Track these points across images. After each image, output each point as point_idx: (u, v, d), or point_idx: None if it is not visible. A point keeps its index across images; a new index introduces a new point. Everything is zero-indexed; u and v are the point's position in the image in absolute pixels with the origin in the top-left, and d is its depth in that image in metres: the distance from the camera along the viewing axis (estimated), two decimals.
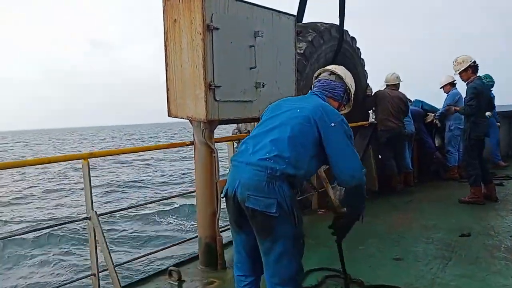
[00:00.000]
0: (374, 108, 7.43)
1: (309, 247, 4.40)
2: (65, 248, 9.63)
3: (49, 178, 23.54)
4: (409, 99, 9.04)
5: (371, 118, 7.93)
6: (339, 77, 2.70)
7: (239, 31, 3.81)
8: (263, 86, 4.05)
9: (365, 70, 7.33)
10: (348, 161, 2.33)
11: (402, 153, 7.30)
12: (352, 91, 2.76)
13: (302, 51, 5.69)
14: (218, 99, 3.62)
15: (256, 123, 5.62)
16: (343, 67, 2.84)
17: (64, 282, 3.07)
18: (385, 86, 7.31)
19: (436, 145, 8.58)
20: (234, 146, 4.51)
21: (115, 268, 3.00)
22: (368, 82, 7.49)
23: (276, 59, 4.33)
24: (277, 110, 2.50)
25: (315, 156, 2.35)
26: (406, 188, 7.19)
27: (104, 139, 79.42)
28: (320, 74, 2.81)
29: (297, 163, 2.26)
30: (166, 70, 3.84)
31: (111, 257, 3.01)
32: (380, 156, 7.31)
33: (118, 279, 2.97)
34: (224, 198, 2.40)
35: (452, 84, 7.87)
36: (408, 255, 4.04)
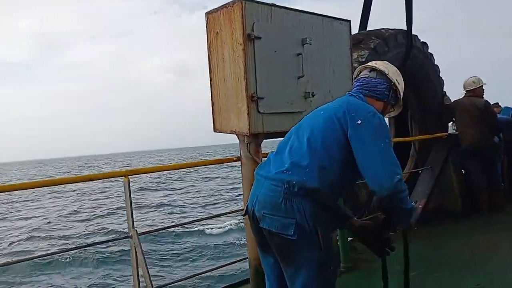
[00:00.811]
0: (454, 120, 6.74)
1: (373, 273, 4.00)
2: (109, 268, 9.74)
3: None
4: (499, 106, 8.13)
5: (452, 129, 7.21)
6: (381, 72, 2.31)
7: (284, 40, 3.62)
8: (313, 96, 3.78)
9: (441, 77, 6.68)
10: (374, 166, 1.93)
11: (488, 168, 6.46)
12: (400, 87, 2.35)
13: (363, 59, 5.32)
14: (262, 111, 3.43)
15: None
16: (386, 62, 2.43)
17: None
18: (464, 93, 6.58)
19: None
20: None
21: None
22: (445, 90, 6.81)
23: (329, 68, 4.06)
24: (305, 120, 2.23)
25: (346, 162, 1.99)
26: (495, 207, 6.31)
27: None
28: (360, 72, 2.44)
29: (322, 173, 1.94)
30: (211, 85, 3.75)
31: (150, 278, 2.90)
32: (463, 171, 6.57)
33: None
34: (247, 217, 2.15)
35: None
36: (493, 283, 3.43)
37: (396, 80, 2.31)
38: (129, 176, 3.07)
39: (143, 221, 15.68)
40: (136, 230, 3.04)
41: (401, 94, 2.36)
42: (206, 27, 3.72)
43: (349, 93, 2.33)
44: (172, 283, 3.32)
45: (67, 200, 25.16)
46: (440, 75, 6.68)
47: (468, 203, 6.37)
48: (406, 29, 5.93)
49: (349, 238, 4.48)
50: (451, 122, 7.13)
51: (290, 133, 2.17)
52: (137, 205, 19.81)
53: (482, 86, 6.48)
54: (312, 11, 3.96)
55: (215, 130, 3.79)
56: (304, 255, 1.89)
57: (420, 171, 6.38)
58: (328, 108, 2.12)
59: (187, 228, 12.02)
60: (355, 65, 5.28)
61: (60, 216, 19.09)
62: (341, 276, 3.91)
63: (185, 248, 10.78)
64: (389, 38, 5.67)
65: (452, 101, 6.70)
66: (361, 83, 2.33)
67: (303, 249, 1.89)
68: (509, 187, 6.98)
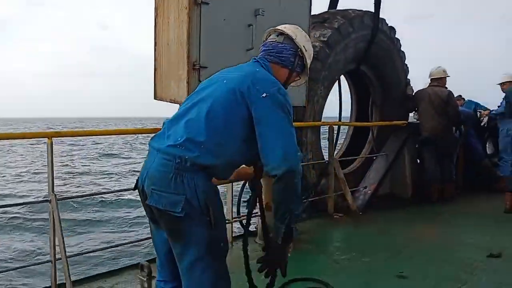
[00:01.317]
0: (416, 109, 6.73)
1: (307, 253, 4.01)
2: (27, 235, 8.80)
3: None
4: (462, 98, 8.17)
5: (413, 118, 7.22)
6: (288, 37, 2.14)
7: (235, 8, 3.46)
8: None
9: (405, 64, 6.61)
10: (280, 140, 1.79)
11: (443, 160, 6.52)
12: (307, 54, 2.19)
13: (325, 39, 5.19)
14: (202, 81, 3.28)
15: None
16: (297, 26, 2.26)
17: (21, 266, 2.88)
18: (429, 81, 6.54)
19: (489, 152, 7.66)
20: None
21: (67, 258, 2.77)
22: (409, 78, 6.77)
23: None
24: (207, 83, 2.07)
25: (247, 140, 1.87)
26: (444, 198, 6.42)
27: None
28: (269, 35, 2.24)
29: (218, 149, 1.82)
30: (155, 50, 3.58)
31: (64, 246, 2.79)
32: (419, 161, 6.62)
33: (68, 269, 2.74)
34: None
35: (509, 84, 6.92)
36: (416, 273, 3.46)
37: (304, 46, 2.15)
38: (53, 138, 2.91)
39: (78, 187, 15.08)
40: (55, 195, 2.89)
41: (308, 61, 2.22)
42: None
43: (254, 59, 2.15)
44: (86, 252, 3.20)
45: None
46: (406, 62, 6.61)
47: (419, 192, 6.47)
48: (373, 11, 5.80)
49: None
50: (413, 112, 7.15)
51: (191, 99, 2.00)
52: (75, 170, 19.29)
53: (446, 77, 6.50)
54: None
55: (155, 97, 3.63)
56: (193, 232, 1.79)
57: (374, 157, 6.39)
58: (232, 78, 1.96)
59: (120, 196, 11.48)
60: (316, 43, 5.16)
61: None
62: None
63: (111, 218, 10.30)
64: (354, 19, 5.53)
65: (414, 90, 6.68)
66: (267, 48, 2.16)
67: (192, 227, 1.79)
68: (462, 179, 7.11)
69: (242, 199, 4.55)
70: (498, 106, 6.90)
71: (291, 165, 1.77)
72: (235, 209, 4.28)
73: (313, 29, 5.37)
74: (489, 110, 7.22)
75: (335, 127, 5.73)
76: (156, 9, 3.53)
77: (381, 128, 6.53)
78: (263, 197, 4.32)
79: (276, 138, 1.81)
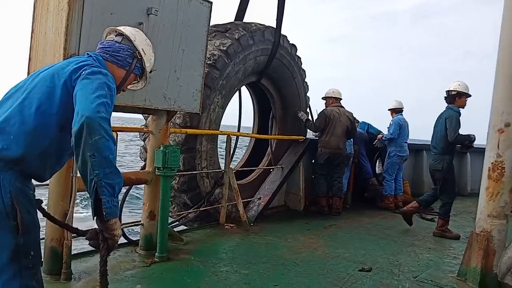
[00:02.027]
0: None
1: (187, 264, 3.89)
2: None
3: None
4: (357, 120, 8.68)
5: (312, 134, 7.46)
6: (127, 38, 2.12)
7: (125, 4, 3.28)
8: (150, 72, 3.48)
9: (305, 82, 6.88)
10: (83, 102, 1.65)
11: (337, 176, 6.85)
12: (146, 58, 2.18)
13: (225, 48, 5.20)
14: None
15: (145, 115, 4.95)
16: (138, 29, 2.26)
17: None
18: (328, 99, 6.82)
19: (378, 171, 8.22)
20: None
21: None
22: (308, 95, 7.03)
23: (179, 46, 3.81)
24: (32, 74, 1.92)
25: (66, 126, 1.72)
26: (335, 211, 6.73)
27: None
28: (107, 35, 2.21)
29: (31, 139, 1.67)
30: (31, 38, 3.25)
31: None
32: (313, 176, 6.86)
33: None
34: None
35: (399, 111, 7.56)
36: (290, 286, 3.52)
37: (143, 49, 2.15)
38: None
39: None
40: None
41: (148, 66, 2.22)
42: None
43: (88, 54, 2.05)
44: None
45: None
46: (305, 80, 6.87)
47: (312, 206, 6.71)
48: (275, 27, 5.95)
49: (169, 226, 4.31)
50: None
51: (10, 90, 1.85)
52: None
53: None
54: None
55: None
56: None
57: (271, 169, 6.51)
58: (54, 65, 1.86)
59: None
60: (215, 52, 5.14)
61: None
62: (150, 267, 3.72)
63: None
64: (255, 32, 5.64)
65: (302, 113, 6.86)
66: (104, 46, 2.10)
67: None
68: (351, 195, 7.52)
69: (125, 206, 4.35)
70: (388, 127, 7.49)
71: (86, 117, 1.58)
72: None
73: (214, 38, 5.37)
74: (382, 133, 7.76)
75: (233, 137, 5.74)
76: None
77: (279, 141, 6.69)
78: (147, 204, 4.18)
79: (82, 96, 1.67)
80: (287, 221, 5.95)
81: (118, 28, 2.17)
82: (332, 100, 6.79)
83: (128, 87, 2.25)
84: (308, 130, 7.01)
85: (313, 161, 6.86)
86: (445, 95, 5.73)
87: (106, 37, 2.18)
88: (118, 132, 3.89)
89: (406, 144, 7.49)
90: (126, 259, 3.92)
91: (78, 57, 1.99)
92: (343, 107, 6.83)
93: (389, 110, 7.64)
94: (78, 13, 2.98)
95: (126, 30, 2.16)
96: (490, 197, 3.67)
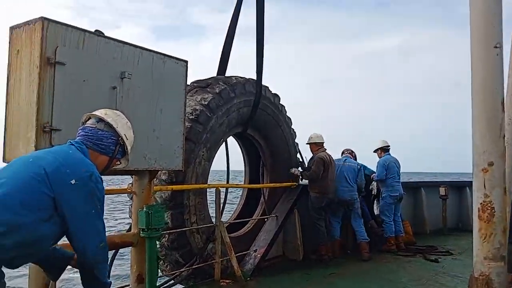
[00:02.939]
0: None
1: None
2: None
3: None
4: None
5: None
6: (109, 125, 2.17)
7: (98, 70, 3.32)
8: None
9: (292, 129, 6.91)
10: (81, 232, 1.87)
11: (333, 221, 6.75)
12: (128, 142, 2.26)
13: (206, 103, 5.26)
14: (56, 144, 3.02)
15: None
16: (119, 112, 2.35)
17: None
18: (314, 145, 6.81)
19: (376, 213, 8.05)
20: None
21: None
22: (297, 141, 7.02)
23: (156, 106, 3.83)
24: (14, 162, 1.93)
25: (49, 219, 1.78)
26: (334, 259, 6.54)
27: None
28: (88, 119, 2.27)
29: (11, 227, 1.68)
30: (6, 109, 3.27)
31: None
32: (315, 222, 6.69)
33: None
34: None
35: (385, 150, 7.52)
36: None
37: (125, 135, 2.21)
38: None
39: None
40: None
41: (129, 148, 2.24)
42: (9, 42, 3.29)
43: (70, 142, 2.10)
44: None
45: None
46: (292, 127, 6.90)
47: (311, 254, 6.52)
48: (256, 78, 6.04)
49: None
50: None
51: None
52: None
53: None
54: (150, 48, 3.76)
55: (4, 160, 3.27)
56: None
57: (266, 219, 6.38)
58: (39, 157, 1.87)
59: None
60: (197, 107, 5.19)
61: None
62: None
63: None
64: (236, 85, 5.75)
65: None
66: (86, 133, 2.16)
67: None
68: (353, 239, 7.33)
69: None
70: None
71: (89, 259, 1.90)
72: None
73: (196, 93, 5.46)
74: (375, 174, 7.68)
75: (223, 190, 5.66)
76: (9, 65, 3.27)
77: (272, 189, 6.60)
78: (134, 266, 4.05)
79: (82, 230, 1.86)
80: (286, 272, 5.77)
81: (97, 113, 2.23)
82: (319, 145, 6.79)
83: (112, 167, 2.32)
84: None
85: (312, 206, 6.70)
86: None
87: (85, 122, 2.23)
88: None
89: (398, 183, 7.38)
90: None
91: (61, 148, 2.05)
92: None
93: (375, 151, 7.61)
94: (49, 84, 3.01)
95: (108, 116, 2.22)
96: (483, 239, 3.52)
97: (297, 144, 6.93)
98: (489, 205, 3.51)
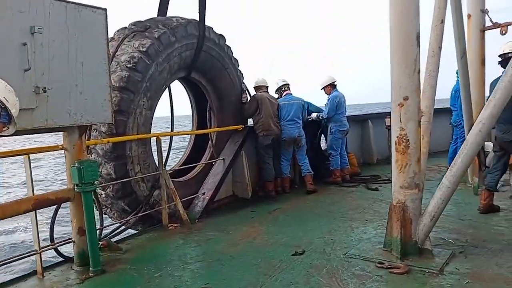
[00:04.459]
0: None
1: (121, 275, 3.91)
2: None
3: None
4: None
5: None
6: None
7: (5, 26, 3.17)
8: (45, 91, 3.42)
9: (239, 71, 6.87)
10: None
11: (279, 158, 7.00)
12: (10, 104, 2.29)
13: (144, 49, 5.12)
14: None
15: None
16: None
17: None
18: (258, 89, 6.96)
19: (323, 148, 8.35)
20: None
21: None
22: (244, 82, 7.04)
23: (76, 60, 3.73)
24: None
25: None
26: (283, 194, 6.89)
27: None
28: None
29: None
30: None
31: None
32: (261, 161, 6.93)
33: None
34: None
35: (333, 86, 7.64)
36: (221, 283, 3.59)
37: (5, 97, 2.17)
38: None
39: None
40: None
41: (14, 111, 2.25)
42: None
43: None
44: None
45: None
46: (239, 68, 6.86)
47: (259, 191, 6.82)
48: (198, 20, 5.87)
49: (100, 243, 4.30)
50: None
51: None
52: None
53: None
54: None
55: None
56: None
57: (213, 163, 6.53)
58: None
59: None
60: (135, 54, 5.06)
61: None
62: (84, 283, 3.74)
63: None
64: (177, 28, 5.55)
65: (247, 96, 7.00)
66: None
67: None
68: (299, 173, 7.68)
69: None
70: (325, 105, 7.59)
71: None
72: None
73: (133, 38, 5.28)
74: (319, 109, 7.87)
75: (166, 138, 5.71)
76: None
77: (219, 134, 6.70)
78: (74, 220, 4.15)
79: None
80: (233, 211, 6.03)
81: None
82: (261, 88, 7.01)
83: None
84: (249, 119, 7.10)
85: (256, 146, 6.91)
86: (500, 59, 5.37)
87: None
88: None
89: (345, 118, 7.61)
90: (61, 278, 3.92)
91: None
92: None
93: (322, 88, 7.72)
94: None
95: None
96: (400, 169, 3.80)
97: (244, 90, 6.97)
98: (404, 137, 3.75)
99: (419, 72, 3.76)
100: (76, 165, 3.80)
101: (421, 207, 3.89)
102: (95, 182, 3.98)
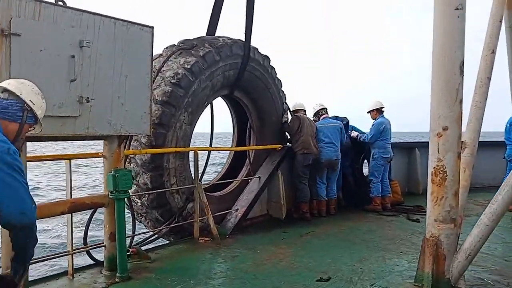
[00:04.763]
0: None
1: (145, 283, 4.00)
2: None
3: None
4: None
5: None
6: (13, 93, 2.31)
7: (55, 39, 3.41)
8: (88, 101, 3.62)
9: (282, 91, 6.92)
10: (16, 198, 2.04)
11: (314, 180, 6.92)
12: (36, 107, 2.38)
13: (189, 66, 5.29)
14: None
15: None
16: (23, 80, 2.47)
17: None
18: (298, 111, 7.03)
19: (366, 173, 8.15)
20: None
21: None
22: (287, 102, 7.08)
23: (120, 73, 3.93)
24: None
25: None
26: (319, 218, 6.78)
27: None
28: None
29: None
30: None
31: None
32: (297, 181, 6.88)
33: None
34: None
35: (380, 111, 7.48)
36: None
37: (31, 100, 2.33)
38: None
39: None
40: None
41: (40, 112, 2.40)
42: None
43: None
44: None
45: None
46: (282, 89, 6.91)
47: (294, 213, 6.75)
48: (244, 40, 6.00)
49: (130, 250, 4.42)
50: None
51: None
52: None
53: None
54: (108, 14, 3.80)
55: None
56: None
57: (249, 180, 6.56)
58: None
59: None
60: (180, 70, 5.24)
61: None
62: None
63: None
64: (222, 48, 5.70)
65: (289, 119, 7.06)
66: None
67: None
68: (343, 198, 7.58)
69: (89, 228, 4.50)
70: (370, 130, 7.45)
71: (29, 219, 2.09)
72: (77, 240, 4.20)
73: (179, 55, 5.49)
74: (363, 133, 7.72)
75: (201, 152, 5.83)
76: None
77: (258, 152, 6.74)
78: (107, 226, 4.31)
79: (10, 196, 2.03)
80: (265, 231, 5.99)
81: (1, 85, 2.35)
82: (300, 111, 7.12)
83: (27, 134, 2.47)
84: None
85: (293, 166, 6.87)
86: None
87: None
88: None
89: (389, 145, 7.41)
90: (89, 280, 4.06)
91: None
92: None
93: (368, 112, 7.58)
94: (5, 55, 3.13)
95: (10, 85, 2.34)
96: (435, 202, 3.62)
97: (287, 105, 7.02)
98: (441, 169, 3.59)
99: (461, 102, 3.60)
100: (112, 172, 3.97)
101: (457, 244, 3.68)
102: (129, 190, 4.13)
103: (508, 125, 7.21)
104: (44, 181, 19.42)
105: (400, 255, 4.86)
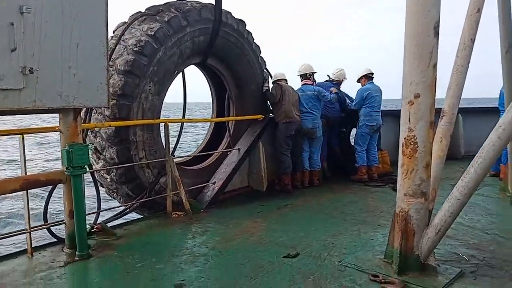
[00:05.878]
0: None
1: (106, 260, 3.86)
2: None
3: None
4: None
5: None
6: None
7: None
8: (32, 72, 3.36)
9: (261, 58, 6.59)
10: None
11: (299, 150, 6.69)
12: None
13: (152, 33, 4.97)
14: None
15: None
16: None
17: None
18: (279, 81, 6.70)
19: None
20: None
21: None
22: (267, 69, 6.77)
23: (70, 41, 3.65)
24: None
25: None
26: (301, 189, 6.61)
27: None
28: None
29: None
30: None
31: None
32: (281, 151, 6.67)
33: None
34: None
35: (368, 77, 7.17)
36: (197, 280, 3.41)
37: None
38: None
39: None
40: None
41: None
42: None
43: None
44: None
45: None
46: (261, 55, 6.58)
47: (276, 184, 6.58)
48: (214, 3, 5.64)
49: (95, 226, 4.27)
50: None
51: None
52: None
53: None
54: None
55: None
56: None
57: (229, 152, 6.35)
58: None
59: None
60: (143, 38, 4.94)
61: None
62: (66, 267, 3.71)
63: None
64: (189, 12, 5.35)
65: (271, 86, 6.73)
66: None
67: None
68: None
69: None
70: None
71: None
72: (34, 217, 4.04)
73: (143, 22, 5.17)
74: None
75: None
76: None
77: (238, 123, 6.49)
78: (66, 203, 4.14)
79: None
80: (243, 204, 5.83)
81: None
82: (282, 82, 6.80)
83: None
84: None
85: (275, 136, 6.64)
86: None
87: None
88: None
89: (377, 113, 7.12)
90: (48, 259, 3.91)
91: None
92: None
93: (358, 81, 7.28)
94: None
95: None
96: (405, 175, 3.40)
97: (266, 77, 6.68)
98: (412, 140, 3.35)
99: (435, 67, 3.32)
100: (67, 148, 3.76)
101: (428, 219, 3.48)
102: (96, 165, 3.92)
103: (502, 90, 6.90)
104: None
105: (377, 228, 4.70)
